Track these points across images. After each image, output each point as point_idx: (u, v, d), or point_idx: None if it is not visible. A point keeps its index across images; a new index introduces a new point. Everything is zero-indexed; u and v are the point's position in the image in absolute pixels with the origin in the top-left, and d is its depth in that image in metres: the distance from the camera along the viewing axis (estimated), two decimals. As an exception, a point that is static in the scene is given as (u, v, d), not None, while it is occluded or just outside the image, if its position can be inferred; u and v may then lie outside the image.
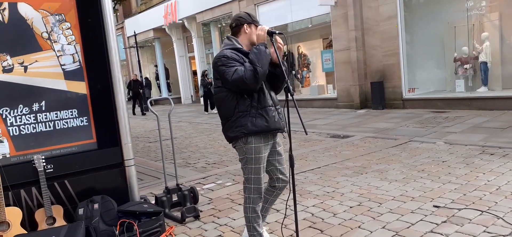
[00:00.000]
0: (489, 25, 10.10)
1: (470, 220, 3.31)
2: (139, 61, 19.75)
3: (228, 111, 2.76)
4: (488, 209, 3.48)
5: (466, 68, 10.30)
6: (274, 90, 2.91)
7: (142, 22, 20.64)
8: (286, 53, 14.36)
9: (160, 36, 20.77)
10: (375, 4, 10.77)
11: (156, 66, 22.65)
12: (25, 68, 3.39)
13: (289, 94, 2.60)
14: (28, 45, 3.39)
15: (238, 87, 2.63)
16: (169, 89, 22.28)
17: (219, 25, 17.03)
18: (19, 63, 3.37)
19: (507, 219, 3.25)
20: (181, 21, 18.03)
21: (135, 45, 19.38)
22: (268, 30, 2.71)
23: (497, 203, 3.61)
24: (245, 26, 2.81)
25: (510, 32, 9.81)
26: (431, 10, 10.82)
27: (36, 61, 3.43)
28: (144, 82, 21.19)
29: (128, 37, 22.13)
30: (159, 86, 22.42)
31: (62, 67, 3.53)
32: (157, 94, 22.21)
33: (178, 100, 20.36)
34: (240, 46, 2.79)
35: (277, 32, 2.73)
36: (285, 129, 2.83)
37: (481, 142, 6.01)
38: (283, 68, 2.69)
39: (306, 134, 2.53)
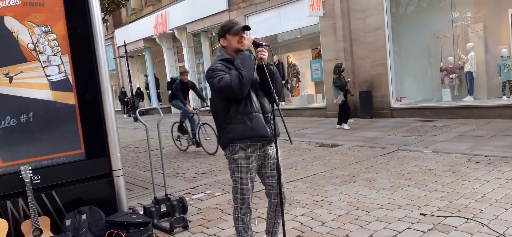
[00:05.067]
0: (474, 36, 10.32)
1: (456, 227, 3.37)
2: (129, 71, 19.69)
3: (220, 119, 2.80)
4: (474, 217, 3.54)
5: (452, 78, 10.49)
6: (268, 98, 2.84)
7: (132, 32, 20.62)
8: (276, 63, 14.46)
9: (151, 46, 20.76)
10: (362, 15, 10.94)
11: (146, 76, 22.61)
12: (10, 79, 3.38)
13: (274, 104, 2.63)
14: (13, 56, 3.38)
15: (225, 92, 2.67)
16: (159, 99, 22.24)
17: (210, 35, 17.10)
18: (4, 74, 3.35)
19: (491, 226, 3.30)
20: (171, 31, 18.06)
21: (125, 55, 19.32)
22: (253, 40, 2.76)
23: (482, 210, 3.67)
24: (221, 40, 2.87)
25: (494, 43, 10.04)
26: (418, 21, 11.03)
27: (21, 72, 3.42)
28: (136, 93, 21.15)
29: (118, 47, 22.07)
30: (149, 96, 22.36)
31: (48, 78, 3.52)
32: (147, 104, 22.13)
33: (168, 110, 20.29)
34: (229, 56, 2.80)
35: (263, 43, 2.76)
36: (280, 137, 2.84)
37: (467, 150, 6.11)
38: (269, 77, 2.72)
39: (291, 143, 2.57)
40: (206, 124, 7.81)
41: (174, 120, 9.58)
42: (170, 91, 8.85)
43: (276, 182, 2.87)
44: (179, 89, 8.22)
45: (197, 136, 8.19)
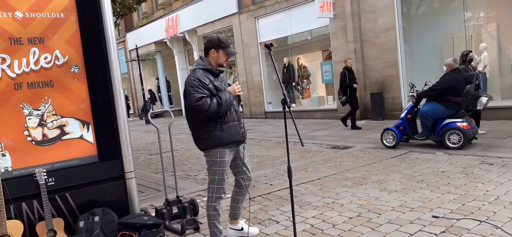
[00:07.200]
0: (487, 36, 10.18)
1: (469, 230, 3.33)
2: (140, 74, 19.88)
3: (196, 127, 3.13)
4: (487, 219, 3.50)
5: (465, 79, 10.33)
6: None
7: (144, 36, 20.83)
8: (285, 65, 14.47)
9: (162, 49, 20.94)
10: (373, 16, 10.88)
11: (157, 79, 22.79)
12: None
13: (286, 106, 2.66)
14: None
15: (197, 113, 2.97)
16: (170, 101, 22.40)
17: (220, 38, 17.15)
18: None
19: (505, 229, 3.26)
20: (182, 35, 18.19)
21: (136, 59, 19.53)
22: (266, 44, 2.95)
23: (495, 213, 3.62)
24: (212, 50, 3.14)
25: (507, 43, 9.88)
26: (429, 21, 10.92)
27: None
28: (149, 95, 21.27)
29: (130, 51, 22.30)
30: (160, 99, 22.54)
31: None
32: (159, 107, 22.32)
33: (179, 112, 20.42)
34: (212, 67, 3.13)
35: (270, 44, 2.88)
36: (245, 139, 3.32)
37: (480, 152, 6.03)
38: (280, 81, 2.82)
39: (302, 145, 2.59)
40: None
41: (185, 123, 9.49)
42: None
43: (247, 161, 3.38)
44: None
45: None
